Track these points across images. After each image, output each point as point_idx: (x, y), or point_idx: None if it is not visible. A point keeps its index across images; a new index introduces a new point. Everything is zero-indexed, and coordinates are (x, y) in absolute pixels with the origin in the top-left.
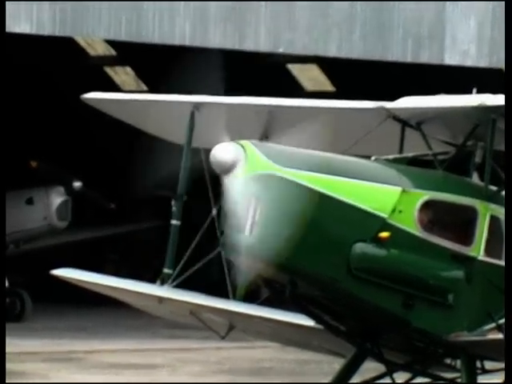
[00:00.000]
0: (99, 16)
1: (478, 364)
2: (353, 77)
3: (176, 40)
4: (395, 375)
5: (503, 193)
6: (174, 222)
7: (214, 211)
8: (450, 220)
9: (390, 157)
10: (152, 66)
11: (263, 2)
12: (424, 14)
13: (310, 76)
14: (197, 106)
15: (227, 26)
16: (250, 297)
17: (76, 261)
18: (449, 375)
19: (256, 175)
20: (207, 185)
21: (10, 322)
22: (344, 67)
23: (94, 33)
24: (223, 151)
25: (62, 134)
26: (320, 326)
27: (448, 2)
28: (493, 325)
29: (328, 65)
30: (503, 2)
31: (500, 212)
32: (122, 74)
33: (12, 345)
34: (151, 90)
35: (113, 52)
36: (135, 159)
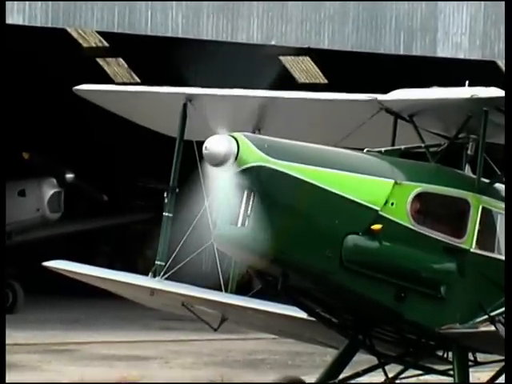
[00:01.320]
0: (92, 7)
1: (470, 356)
2: (345, 69)
3: (169, 31)
4: (387, 367)
5: (495, 185)
6: (166, 213)
7: (207, 203)
8: (442, 212)
9: (383, 149)
10: (145, 58)
11: None
12: (416, 6)
13: (302, 68)
14: (189, 97)
15: (220, 17)
16: (243, 289)
17: (68, 253)
18: (441, 367)
19: (249, 167)
20: (200, 177)
21: None
22: (337, 59)
23: (87, 24)
24: (216, 143)
25: (54, 126)
26: (312, 318)
27: None
28: (485, 317)
29: (321, 57)
30: None
31: (492, 204)
32: (115, 66)
33: None
34: (144, 82)
35: (105, 43)
36: (128, 151)
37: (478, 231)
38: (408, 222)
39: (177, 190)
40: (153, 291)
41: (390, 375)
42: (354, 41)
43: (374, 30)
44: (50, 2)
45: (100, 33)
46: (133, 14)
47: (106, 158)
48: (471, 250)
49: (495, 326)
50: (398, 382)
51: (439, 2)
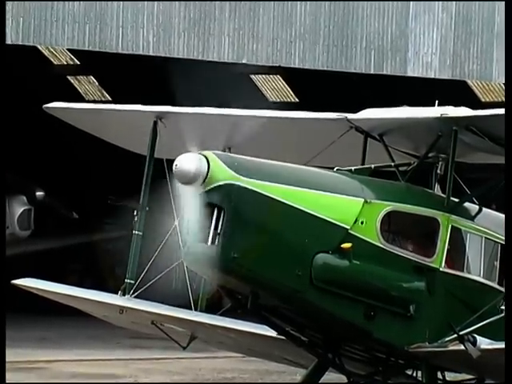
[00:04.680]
0: (63, 25)
1: (439, 375)
2: (316, 88)
3: (140, 49)
4: None
5: (465, 204)
6: (136, 232)
7: (177, 221)
8: (411, 231)
9: (353, 168)
10: (115, 76)
11: (227, 13)
12: (387, 26)
13: (273, 86)
14: (160, 116)
15: (191, 35)
16: (213, 307)
17: (38, 270)
18: None
19: (218, 185)
20: (170, 195)
21: None
22: (307, 78)
23: (58, 42)
24: (186, 162)
25: (24, 143)
26: (282, 337)
27: (411, 15)
28: (454, 336)
29: (291, 75)
30: (465, 14)
31: (461, 224)
32: (86, 84)
33: None
34: (114, 100)
35: (76, 61)
36: (99, 169)
37: (448, 250)
38: (378, 241)
39: (147, 209)
40: (122, 309)
41: None
42: (324, 60)
43: (344, 49)
44: (21, 20)
45: (71, 50)
46: (103, 32)
47: (77, 176)
48: (440, 268)
49: (464, 345)
50: None
51: (410, 22)
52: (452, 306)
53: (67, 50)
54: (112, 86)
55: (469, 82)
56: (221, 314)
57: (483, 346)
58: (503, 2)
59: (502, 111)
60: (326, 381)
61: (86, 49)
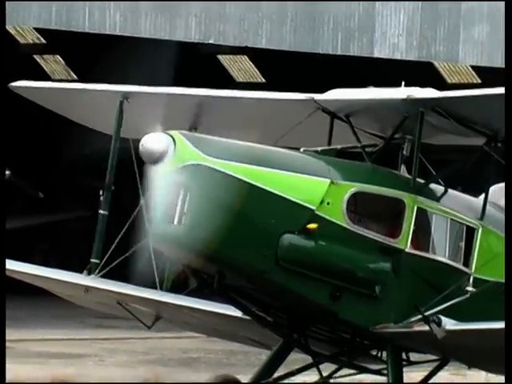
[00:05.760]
0: (29, 4)
1: (404, 355)
2: (283, 68)
3: (106, 29)
4: (321, 366)
5: (431, 186)
6: (102, 211)
7: (143, 201)
8: (377, 212)
9: (319, 148)
10: (82, 55)
11: None
12: (354, 7)
13: (240, 67)
14: (126, 95)
15: (158, 15)
16: (179, 287)
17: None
18: (375, 367)
19: (185, 165)
20: (136, 174)
21: None
22: (274, 59)
23: (24, 21)
24: (152, 141)
25: None
26: (247, 317)
27: None
28: (419, 316)
29: (258, 56)
30: None
31: (427, 205)
32: (52, 63)
33: None
34: (81, 79)
35: (43, 40)
36: (65, 148)
37: (413, 231)
38: (343, 222)
39: (112, 188)
40: (87, 289)
41: (325, 374)
42: (291, 40)
43: (311, 30)
44: None
45: (37, 30)
46: (70, 12)
47: (43, 156)
48: (406, 249)
49: (429, 326)
50: (332, 381)
51: (377, 4)
52: (417, 286)
53: (34, 29)
54: (78, 65)
55: (435, 63)
56: (187, 294)
57: (448, 327)
58: None
59: (468, 92)
60: (291, 361)
61: (53, 28)
